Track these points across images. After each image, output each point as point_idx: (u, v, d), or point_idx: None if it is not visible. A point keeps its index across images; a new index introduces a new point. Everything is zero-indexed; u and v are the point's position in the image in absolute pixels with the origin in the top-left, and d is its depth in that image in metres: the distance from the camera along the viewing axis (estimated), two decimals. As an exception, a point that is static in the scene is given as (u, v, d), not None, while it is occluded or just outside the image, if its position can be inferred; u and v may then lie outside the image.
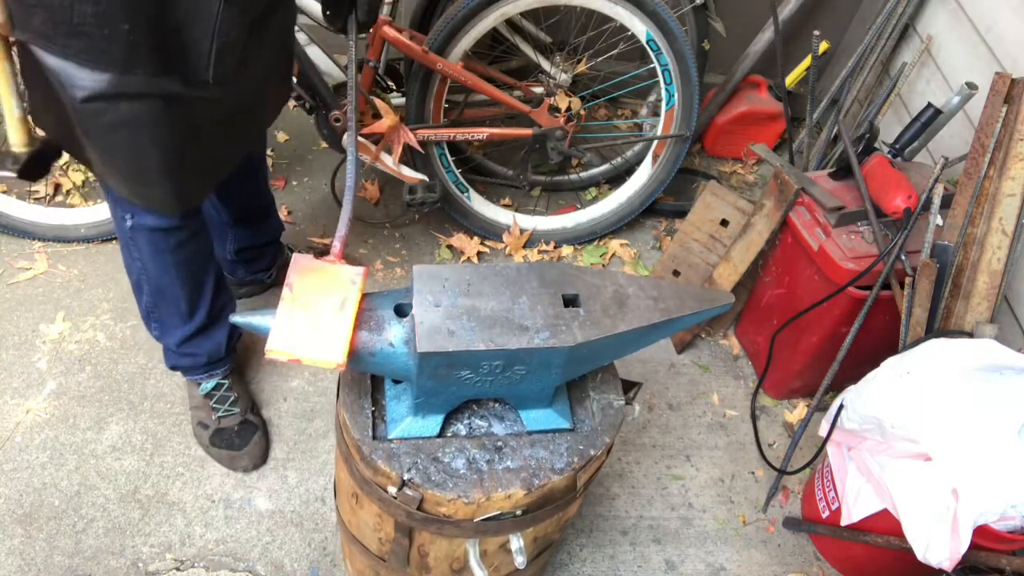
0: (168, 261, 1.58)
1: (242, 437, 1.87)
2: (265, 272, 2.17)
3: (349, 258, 2.34)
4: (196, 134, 1.36)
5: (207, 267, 1.68)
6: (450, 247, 2.49)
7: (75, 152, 1.38)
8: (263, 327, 1.06)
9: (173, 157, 1.35)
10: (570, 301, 1.09)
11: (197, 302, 1.70)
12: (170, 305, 1.68)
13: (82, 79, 1.17)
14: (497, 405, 1.21)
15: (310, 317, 1.02)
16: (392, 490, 1.10)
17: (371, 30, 2.04)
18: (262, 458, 1.89)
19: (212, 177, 1.54)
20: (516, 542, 1.17)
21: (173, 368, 1.85)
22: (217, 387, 1.87)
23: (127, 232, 1.54)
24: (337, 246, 1.11)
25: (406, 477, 1.09)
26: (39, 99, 1.28)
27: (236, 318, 1.07)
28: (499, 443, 1.15)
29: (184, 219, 1.54)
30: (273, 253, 2.15)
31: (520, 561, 1.17)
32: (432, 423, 1.14)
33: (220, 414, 1.87)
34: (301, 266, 1.07)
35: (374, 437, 1.13)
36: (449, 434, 1.16)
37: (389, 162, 2.18)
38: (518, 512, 1.13)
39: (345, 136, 2.09)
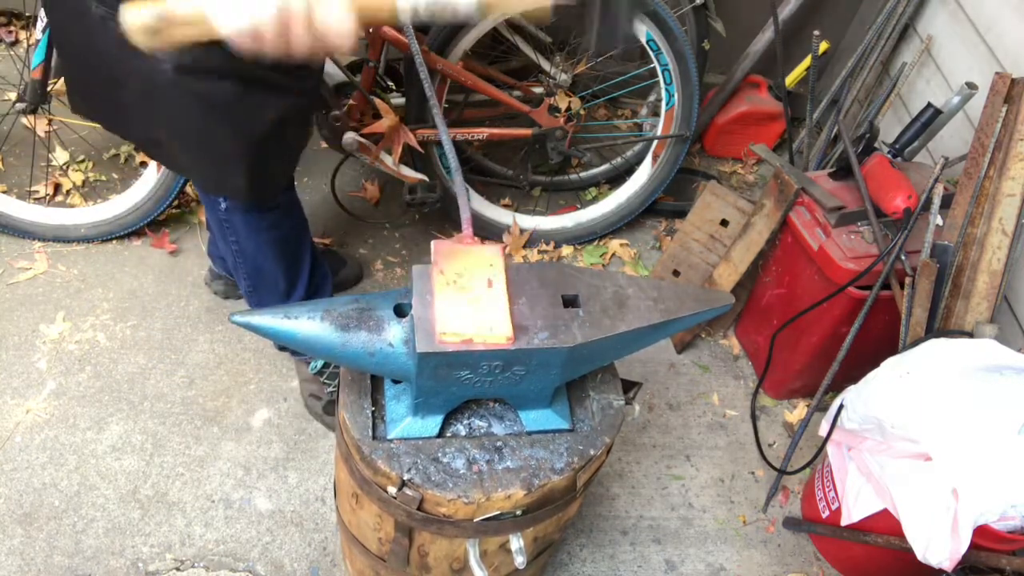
0: (263, 240, 1.60)
1: None
2: None
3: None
4: (278, 126, 1.35)
5: (303, 243, 1.70)
6: (450, 247, 2.49)
7: (156, 149, 1.38)
8: (263, 326, 1.06)
9: (252, 146, 1.34)
10: (570, 302, 1.09)
11: (295, 280, 1.71)
12: (268, 285, 1.70)
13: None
14: (497, 405, 1.21)
15: (467, 297, 1.04)
16: (392, 490, 1.10)
17: (371, 30, 2.04)
18: None
19: (289, 168, 1.53)
20: (516, 542, 1.17)
21: (281, 349, 1.85)
22: (326, 364, 1.89)
23: (221, 215, 1.54)
24: (466, 228, 1.12)
25: (406, 477, 1.09)
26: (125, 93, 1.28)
27: (236, 317, 1.07)
28: (499, 443, 1.15)
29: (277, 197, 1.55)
30: None
31: (520, 561, 1.18)
32: (432, 423, 1.14)
33: (331, 388, 1.90)
34: (444, 250, 1.08)
35: (374, 437, 1.14)
36: (449, 434, 1.16)
37: (389, 162, 2.18)
38: (518, 512, 1.13)
39: (346, 136, 2.09)
